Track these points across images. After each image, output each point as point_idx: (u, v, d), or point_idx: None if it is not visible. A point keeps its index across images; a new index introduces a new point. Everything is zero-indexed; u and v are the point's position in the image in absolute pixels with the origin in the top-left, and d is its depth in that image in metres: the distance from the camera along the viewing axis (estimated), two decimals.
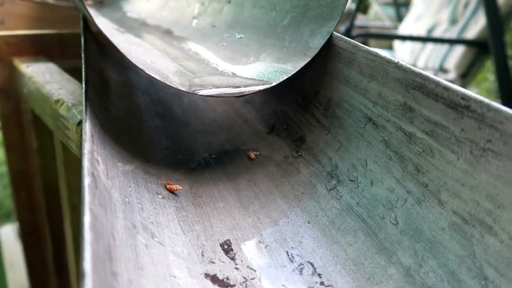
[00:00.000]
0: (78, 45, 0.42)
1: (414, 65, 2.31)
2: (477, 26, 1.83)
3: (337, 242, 0.30)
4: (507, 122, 0.22)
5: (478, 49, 1.77)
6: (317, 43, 0.38)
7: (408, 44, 2.28)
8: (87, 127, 0.27)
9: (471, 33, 1.84)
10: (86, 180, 0.21)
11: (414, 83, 0.29)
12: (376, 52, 0.32)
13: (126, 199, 0.27)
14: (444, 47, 1.94)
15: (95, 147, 0.26)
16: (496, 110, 0.23)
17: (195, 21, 0.60)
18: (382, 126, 0.31)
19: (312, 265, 0.29)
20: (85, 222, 0.19)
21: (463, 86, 1.89)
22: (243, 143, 0.44)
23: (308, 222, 0.32)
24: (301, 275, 0.28)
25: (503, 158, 0.23)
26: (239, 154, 0.42)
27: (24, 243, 0.76)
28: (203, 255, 0.27)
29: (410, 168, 0.29)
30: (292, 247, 0.30)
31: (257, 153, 0.41)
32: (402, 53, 2.29)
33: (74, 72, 0.58)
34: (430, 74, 0.28)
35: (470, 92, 0.24)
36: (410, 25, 2.36)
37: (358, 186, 0.32)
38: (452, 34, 1.92)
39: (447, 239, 0.25)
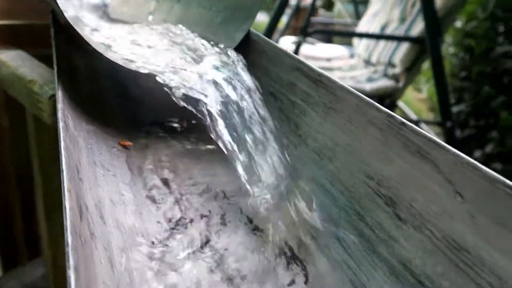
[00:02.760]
0: (48, 35, 0.51)
1: (368, 60, 2.45)
2: (421, 24, 1.95)
3: None
4: (338, 89, 0.35)
5: (420, 45, 1.92)
6: (239, 37, 0.50)
7: (364, 40, 2.44)
8: (59, 93, 0.38)
9: (416, 30, 2.00)
10: (61, 124, 0.32)
11: (296, 66, 0.41)
12: (276, 45, 0.45)
13: (89, 146, 0.38)
14: (393, 43, 2.09)
15: (65, 107, 0.37)
16: (332, 81, 0.35)
17: (150, 16, 0.71)
18: (279, 98, 0.44)
19: (224, 193, 0.40)
20: (62, 147, 0.30)
21: (408, 79, 2.06)
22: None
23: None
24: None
25: (337, 112, 0.35)
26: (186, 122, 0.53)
27: None
28: (146, 185, 0.39)
29: (293, 126, 0.41)
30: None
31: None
32: (360, 49, 2.45)
33: (44, 60, 0.66)
34: (304, 60, 0.40)
35: (322, 71, 0.37)
36: (367, 22, 2.51)
37: None
38: (401, 31, 2.08)
39: (313, 168, 0.38)
